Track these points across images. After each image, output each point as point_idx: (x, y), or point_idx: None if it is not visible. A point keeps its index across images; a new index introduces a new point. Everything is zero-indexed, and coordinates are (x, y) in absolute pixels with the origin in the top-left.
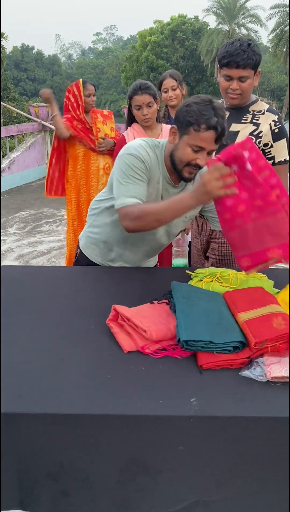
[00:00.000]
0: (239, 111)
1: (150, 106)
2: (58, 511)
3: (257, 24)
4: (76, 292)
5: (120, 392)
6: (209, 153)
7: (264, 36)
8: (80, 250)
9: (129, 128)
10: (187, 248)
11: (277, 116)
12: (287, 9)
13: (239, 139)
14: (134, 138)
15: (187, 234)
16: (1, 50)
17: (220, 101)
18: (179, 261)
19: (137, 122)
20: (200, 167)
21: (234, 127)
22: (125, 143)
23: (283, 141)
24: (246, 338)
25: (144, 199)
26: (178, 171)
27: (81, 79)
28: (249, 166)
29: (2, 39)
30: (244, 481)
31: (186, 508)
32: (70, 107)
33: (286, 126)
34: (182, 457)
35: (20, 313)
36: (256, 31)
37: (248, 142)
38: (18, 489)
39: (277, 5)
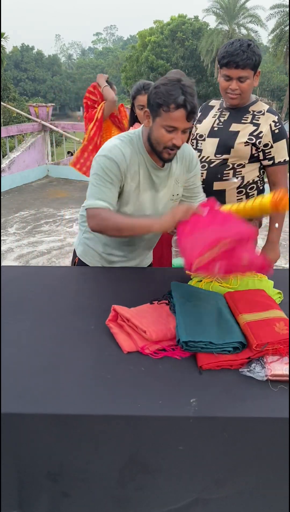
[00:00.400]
0: (239, 111)
1: None
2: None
3: (257, 24)
4: (76, 292)
5: (120, 392)
6: (184, 132)
7: (264, 36)
8: (78, 258)
9: (131, 127)
10: None
11: (277, 117)
12: (287, 9)
13: (240, 139)
14: None
15: None
16: (1, 50)
17: (220, 101)
18: (178, 261)
19: (139, 122)
20: (177, 147)
21: (234, 127)
22: None
23: (283, 142)
24: (247, 339)
25: (114, 203)
26: (158, 153)
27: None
28: (217, 207)
29: (2, 39)
30: (243, 481)
31: (185, 506)
32: (96, 105)
33: (286, 126)
34: (182, 456)
35: (20, 313)
36: (256, 31)
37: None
38: (17, 490)
39: (277, 5)
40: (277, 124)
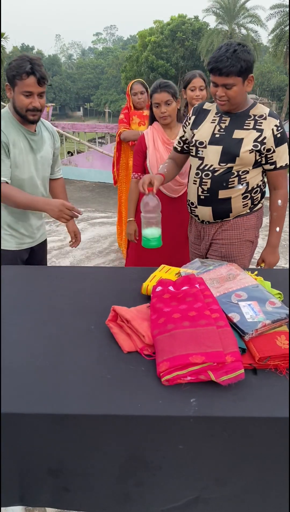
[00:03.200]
0: (240, 116)
1: (168, 104)
2: (59, 506)
3: (257, 24)
4: (76, 292)
5: (120, 392)
6: (40, 95)
7: (264, 36)
8: None
9: (150, 126)
10: (160, 214)
11: (278, 121)
12: (287, 9)
13: (245, 147)
14: (153, 137)
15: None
16: (1, 50)
17: (214, 104)
18: (150, 231)
19: (157, 120)
20: (37, 109)
21: (237, 134)
22: (144, 141)
23: (285, 146)
24: (249, 351)
25: (8, 173)
26: (24, 117)
27: (134, 80)
28: (198, 286)
29: (2, 39)
30: (243, 480)
31: (186, 504)
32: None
33: (286, 127)
34: (182, 455)
35: (20, 313)
36: (256, 31)
37: (200, 279)
38: (18, 485)
39: (277, 5)
40: (279, 128)
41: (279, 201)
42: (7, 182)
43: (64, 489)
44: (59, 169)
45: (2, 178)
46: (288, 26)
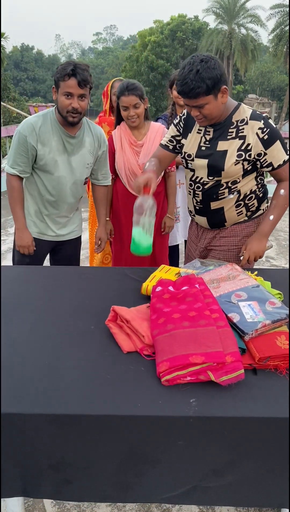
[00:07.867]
0: (223, 125)
1: (136, 107)
2: (61, 497)
3: (257, 24)
4: (76, 292)
5: (120, 392)
6: (81, 97)
7: (264, 36)
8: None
9: (118, 127)
10: (155, 217)
11: (262, 121)
12: (287, 9)
13: (229, 159)
14: (121, 139)
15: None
16: (1, 50)
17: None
18: (139, 235)
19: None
20: (77, 111)
21: (221, 145)
22: (112, 142)
23: (277, 144)
24: (249, 351)
25: (24, 165)
26: (65, 118)
27: (115, 79)
28: (197, 286)
29: (2, 39)
30: (241, 473)
31: (184, 493)
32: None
33: (286, 126)
34: (181, 451)
35: (20, 313)
36: (256, 31)
37: (200, 279)
38: (20, 478)
39: (277, 5)
40: (265, 129)
41: (282, 191)
42: (19, 176)
43: (66, 481)
44: (105, 176)
45: (13, 170)
46: (288, 26)
